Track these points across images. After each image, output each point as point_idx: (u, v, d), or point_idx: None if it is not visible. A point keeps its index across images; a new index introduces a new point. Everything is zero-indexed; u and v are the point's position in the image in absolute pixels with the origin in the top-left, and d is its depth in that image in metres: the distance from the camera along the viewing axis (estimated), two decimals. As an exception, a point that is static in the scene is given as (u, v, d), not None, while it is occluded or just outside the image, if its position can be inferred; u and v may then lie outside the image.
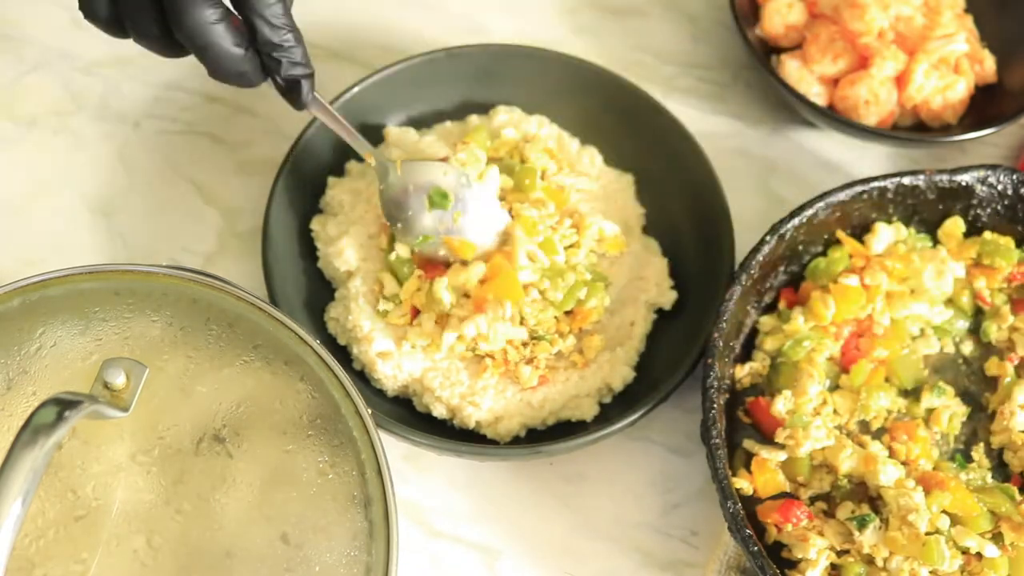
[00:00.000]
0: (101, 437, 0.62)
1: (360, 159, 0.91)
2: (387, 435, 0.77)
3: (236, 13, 0.68)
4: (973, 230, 0.87)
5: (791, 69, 0.96)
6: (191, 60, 0.98)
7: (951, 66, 0.96)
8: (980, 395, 0.83)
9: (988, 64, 0.97)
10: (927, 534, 0.72)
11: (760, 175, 0.98)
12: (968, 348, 0.85)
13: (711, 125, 0.99)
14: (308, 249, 0.87)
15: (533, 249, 0.81)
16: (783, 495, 0.78)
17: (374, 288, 0.83)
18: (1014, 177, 0.85)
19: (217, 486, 0.62)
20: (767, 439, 0.80)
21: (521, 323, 0.81)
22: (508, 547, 0.81)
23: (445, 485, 0.83)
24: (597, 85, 0.92)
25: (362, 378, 0.83)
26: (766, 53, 0.98)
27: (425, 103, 0.93)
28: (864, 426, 0.81)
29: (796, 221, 0.83)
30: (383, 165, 0.81)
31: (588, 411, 0.82)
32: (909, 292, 0.84)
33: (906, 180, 0.85)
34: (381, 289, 0.82)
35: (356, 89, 0.89)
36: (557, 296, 0.81)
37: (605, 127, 0.93)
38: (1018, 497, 0.76)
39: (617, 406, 0.83)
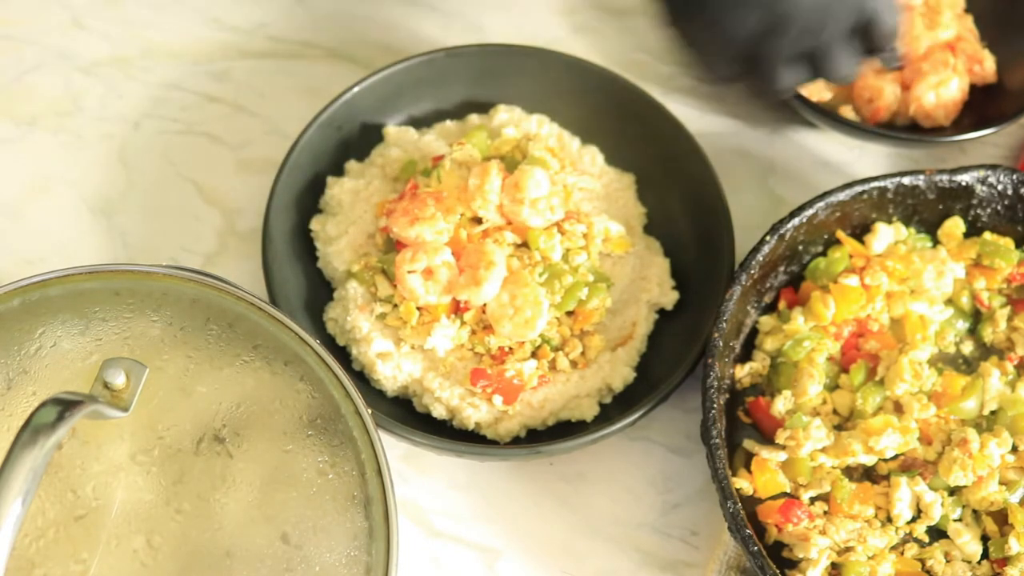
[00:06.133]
0: (101, 437, 0.62)
1: (360, 159, 0.91)
2: (387, 435, 0.77)
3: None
4: (973, 230, 0.87)
5: None
6: (189, 60, 0.98)
7: (948, 65, 0.95)
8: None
9: (988, 64, 0.97)
10: None
11: (760, 175, 0.98)
12: (968, 348, 0.85)
13: (711, 125, 0.99)
14: (308, 249, 0.87)
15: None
16: (783, 495, 0.78)
17: (371, 290, 0.83)
18: (1014, 177, 0.85)
19: (217, 486, 0.62)
20: (767, 439, 0.80)
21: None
22: (508, 547, 0.81)
23: (445, 485, 0.83)
24: (597, 85, 0.92)
25: (362, 379, 0.83)
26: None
27: (425, 103, 0.93)
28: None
29: (796, 221, 0.83)
30: None
31: (588, 411, 0.82)
32: (909, 292, 0.84)
33: (906, 180, 0.85)
34: (376, 292, 0.82)
35: (356, 89, 0.89)
36: (556, 298, 0.81)
37: (605, 127, 0.93)
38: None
39: (617, 406, 0.83)
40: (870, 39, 0.80)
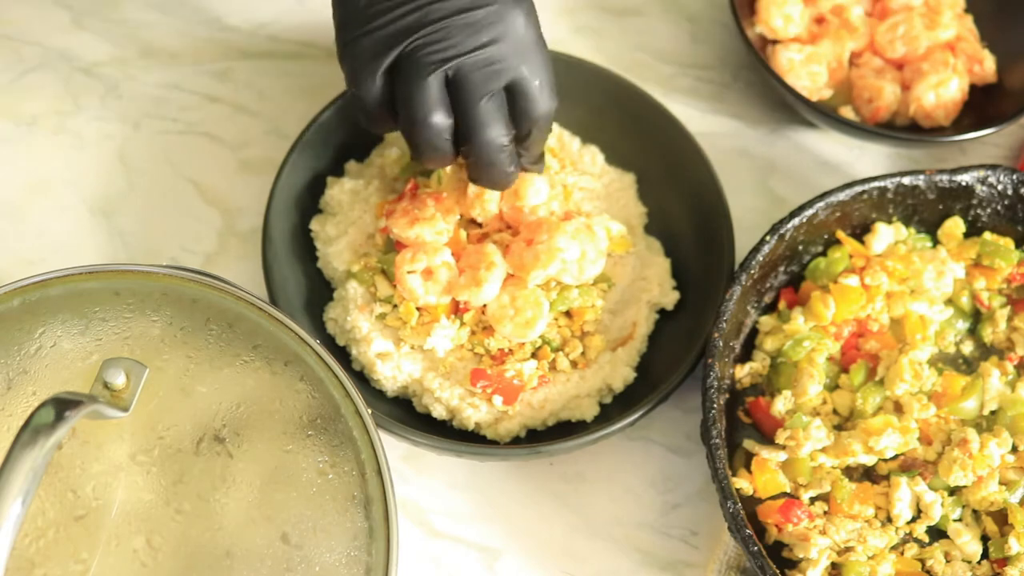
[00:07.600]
0: (101, 437, 0.62)
1: (360, 159, 0.91)
2: (387, 435, 0.77)
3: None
4: (973, 230, 0.87)
5: (783, 59, 0.95)
6: (189, 60, 0.98)
7: (948, 65, 0.95)
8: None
9: (988, 64, 0.97)
10: None
11: (760, 175, 0.98)
12: (968, 348, 0.85)
13: (711, 125, 0.99)
14: (308, 249, 0.87)
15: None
16: (783, 495, 0.78)
17: (371, 290, 0.83)
18: (1014, 177, 0.85)
19: (217, 486, 0.62)
20: (767, 439, 0.80)
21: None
22: (508, 547, 0.82)
23: (445, 485, 0.83)
24: (597, 85, 0.92)
25: (361, 379, 0.83)
26: (765, 52, 0.98)
27: (425, 103, 0.93)
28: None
29: (796, 221, 0.83)
30: None
31: (588, 411, 0.82)
32: (909, 292, 0.84)
33: (906, 180, 0.85)
34: (376, 292, 0.82)
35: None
36: (551, 295, 0.81)
37: (605, 127, 0.93)
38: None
39: (617, 406, 0.83)
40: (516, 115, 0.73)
